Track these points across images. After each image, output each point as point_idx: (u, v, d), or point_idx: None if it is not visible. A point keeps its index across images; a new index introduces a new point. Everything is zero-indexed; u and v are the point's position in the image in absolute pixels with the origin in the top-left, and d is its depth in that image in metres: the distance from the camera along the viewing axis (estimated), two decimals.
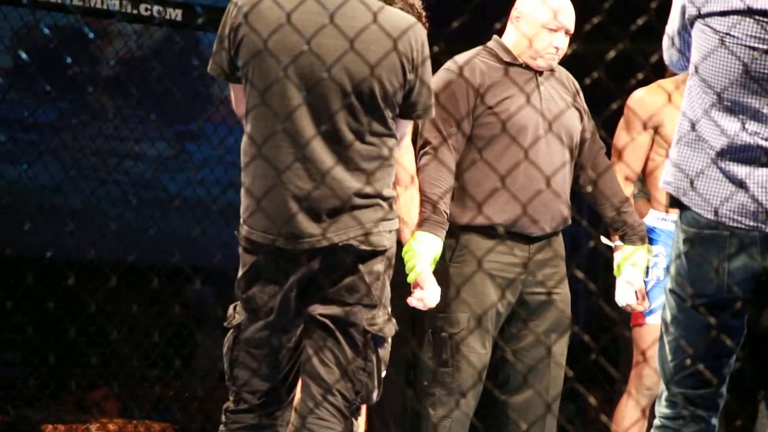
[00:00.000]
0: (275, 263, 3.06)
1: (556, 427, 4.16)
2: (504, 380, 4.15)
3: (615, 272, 4.24)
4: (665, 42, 3.05)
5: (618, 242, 4.22)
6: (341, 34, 2.92)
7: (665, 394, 3.03)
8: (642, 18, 2.58)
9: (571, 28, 4.08)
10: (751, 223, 2.85)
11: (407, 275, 3.77)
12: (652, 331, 4.10)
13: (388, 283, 3.15)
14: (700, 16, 2.90)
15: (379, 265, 3.08)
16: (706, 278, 2.89)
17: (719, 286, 2.88)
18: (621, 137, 4.46)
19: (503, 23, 4.13)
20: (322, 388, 3.06)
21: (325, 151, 3.02)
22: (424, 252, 3.77)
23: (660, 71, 4.43)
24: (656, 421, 3.07)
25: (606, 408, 5.67)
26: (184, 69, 6.45)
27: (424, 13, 3.65)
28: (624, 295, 4.20)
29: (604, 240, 4.29)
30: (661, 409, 3.04)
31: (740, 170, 2.85)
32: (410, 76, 3.06)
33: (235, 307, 3.16)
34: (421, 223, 3.85)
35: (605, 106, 3.16)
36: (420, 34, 3.08)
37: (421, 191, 3.91)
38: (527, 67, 4.09)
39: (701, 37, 2.91)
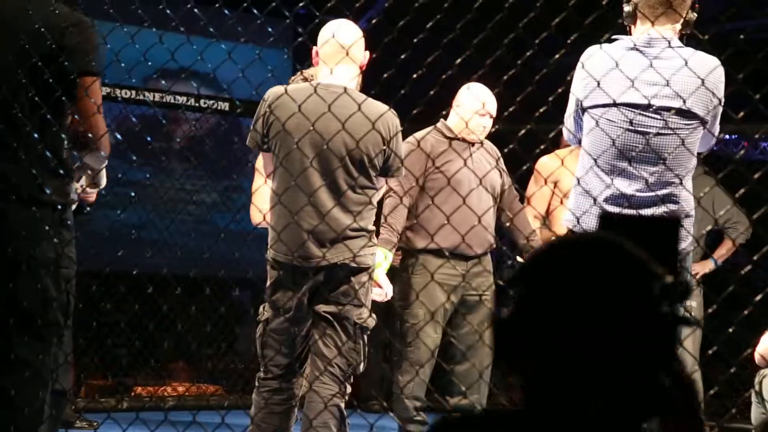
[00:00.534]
0: (292, 276, 3.03)
1: (487, 389, 4.14)
2: (450, 356, 4.14)
3: None
4: (565, 122, 3.03)
5: None
6: (337, 119, 2.90)
7: None
8: (543, 107, 2.56)
9: (494, 113, 4.13)
10: None
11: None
12: None
13: (371, 290, 3.13)
14: (583, 107, 2.90)
15: (364, 278, 3.07)
16: None
17: None
18: (530, 188, 4.52)
19: (447, 110, 4.17)
20: (324, 362, 3.04)
21: (327, 198, 3.00)
22: (380, 260, 3.75)
23: (556, 143, 4.43)
24: None
25: None
26: (229, 143, 6.49)
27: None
28: None
29: (519, 259, 4.27)
30: None
31: (613, 210, 2.82)
32: (386, 147, 3.04)
33: (264, 307, 3.12)
34: (381, 242, 3.81)
35: (518, 167, 3.13)
36: (393, 118, 3.08)
37: (385, 221, 3.93)
38: (464, 140, 4.10)
39: (586, 120, 2.91)
